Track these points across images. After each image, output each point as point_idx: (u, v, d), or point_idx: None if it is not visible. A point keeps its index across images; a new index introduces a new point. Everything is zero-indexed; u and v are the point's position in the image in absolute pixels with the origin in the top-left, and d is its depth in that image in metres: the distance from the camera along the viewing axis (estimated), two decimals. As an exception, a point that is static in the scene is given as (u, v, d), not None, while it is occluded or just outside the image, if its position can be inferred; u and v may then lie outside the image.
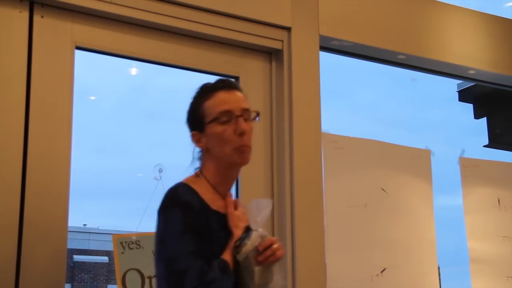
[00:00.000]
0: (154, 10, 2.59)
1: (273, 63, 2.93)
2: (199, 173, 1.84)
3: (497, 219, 3.44)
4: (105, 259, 18.01)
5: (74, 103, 2.43)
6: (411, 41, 3.27)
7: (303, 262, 2.70)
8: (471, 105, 4.32)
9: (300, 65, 2.89)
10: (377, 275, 2.97)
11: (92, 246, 18.03)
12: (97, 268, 18.33)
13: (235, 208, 1.81)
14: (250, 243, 1.70)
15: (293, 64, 2.87)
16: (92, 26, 2.52)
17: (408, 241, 3.11)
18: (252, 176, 2.74)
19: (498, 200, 3.48)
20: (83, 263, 18.20)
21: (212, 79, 1.89)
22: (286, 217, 2.74)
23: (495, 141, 4.16)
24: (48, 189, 2.31)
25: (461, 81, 4.04)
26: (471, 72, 3.51)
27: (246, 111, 1.82)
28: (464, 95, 4.28)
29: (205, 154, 1.84)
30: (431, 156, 3.30)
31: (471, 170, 3.43)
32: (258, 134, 2.73)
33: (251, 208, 1.77)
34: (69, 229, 2.34)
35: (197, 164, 1.87)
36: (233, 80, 1.89)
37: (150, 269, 2.42)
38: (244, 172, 2.41)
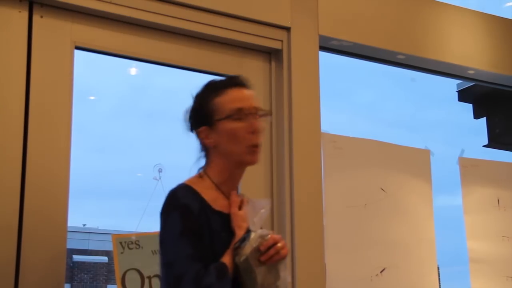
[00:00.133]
0: (154, 10, 2.59)
1: (273, 63, 2.93)
2: (203, 174, 1.81)
3: (497, 219, 3.44)
4: (104, 259, 18.02)
5: (74, 103, 2.42)
6: (410, 41, 3.27)
7: (302, 262, 2.70)
8: (470, 105, 4.31)
9: (299, 65, 2.89)
10: (377, 275, 2.97)
11: (92, 246, 18.04)
12: (97, 268, 18.34)
13: (240, 207, 1.78)
14: (249, 245, 1.67)
15: (293, 64, 2.87)
16: (92, 26, 2.52)
17: (408, 241, 3.11)
18: (251, 176, 2.73)
19: (498, 200, 3.48)
20: (83, 263, 18.21)
21: (212, 79, 1.88)
22: (285, 217, 2.74)
23: (494, 141, 4.16)
24: (48, 189, 2.31)
25: (460, 81, 4.04)
26: (471, 72, 3.51)
27: (258, 109, 1.81)
28: (463, 95, 4.27)
29: (212, 152, 1.81)
30: (431, 156, 3.30)
31: (470, 170, 3.43)
32: (257, 134, 2.73)
33: (248, 209, 1.75)
34: (68, 229, 2.34)
35: (201, 163, 1.84)
36: (243, 77, 1.86)
37: (149, 269, 2.42)
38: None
